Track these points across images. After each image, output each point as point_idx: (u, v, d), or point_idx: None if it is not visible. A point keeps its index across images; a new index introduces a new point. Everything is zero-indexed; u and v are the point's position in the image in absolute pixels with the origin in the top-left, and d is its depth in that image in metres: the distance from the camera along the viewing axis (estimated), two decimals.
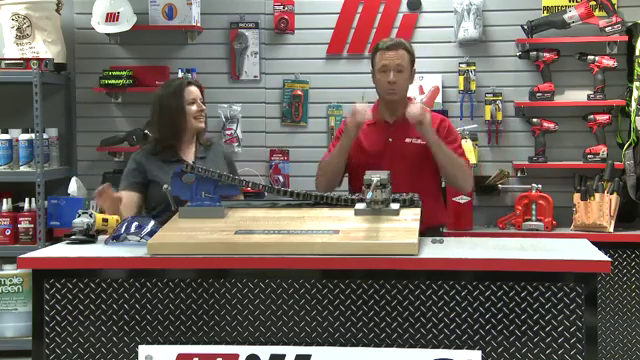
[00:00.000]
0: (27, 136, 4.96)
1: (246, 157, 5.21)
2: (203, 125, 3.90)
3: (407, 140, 3.76)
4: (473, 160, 4.92)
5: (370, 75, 3.84)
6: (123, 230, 3.24)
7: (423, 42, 5.08)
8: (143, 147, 3.99)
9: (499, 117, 5.07)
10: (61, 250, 3.18)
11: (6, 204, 5.00)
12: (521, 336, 2.90)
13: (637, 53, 4.82)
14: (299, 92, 5.20)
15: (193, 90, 3.88)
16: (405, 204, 3.24)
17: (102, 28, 5.10)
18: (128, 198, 3.71)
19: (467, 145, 4.77)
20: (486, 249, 3.08)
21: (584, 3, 4.94)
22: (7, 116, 5.21)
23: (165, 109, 3.84)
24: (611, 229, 4.71)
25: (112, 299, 3.02)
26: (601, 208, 4.72)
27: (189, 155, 3.87)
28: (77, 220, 3.28)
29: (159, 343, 3.00)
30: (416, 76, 3.93)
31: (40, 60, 4.88)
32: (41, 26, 5.08)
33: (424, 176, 3.75)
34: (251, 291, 2.98)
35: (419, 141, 3.74)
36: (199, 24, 5.18)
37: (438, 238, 3.26)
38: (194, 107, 3.85)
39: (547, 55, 4.97)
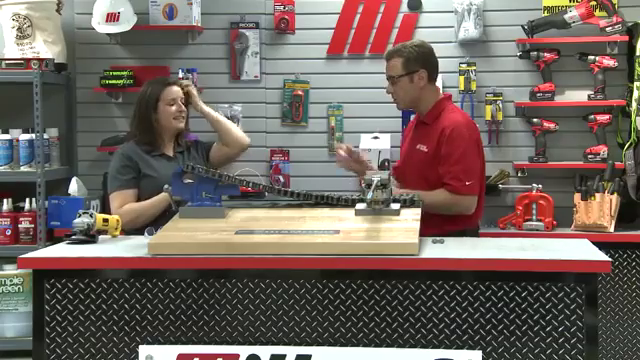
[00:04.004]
0: (27, 136, 4.96)
1: (246, 157, 5.18)
2: (182, 125, 3.90)
3: (417, 146, 3.72)
4: None
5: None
6: None
7: None
8: (125, 142, 3.98)
9: (499, 117, 5.07)
10: (61, 250, 3.18)
11: (6, 204, 4.99)
12: (521, 336, 2.89)
13: (637, 53, 4.81)
14: (299, 92, 5.20)
15: (174, 90, 3.89)
16: (405, 204, 3.23)
17: (102, 28, 5.10)
18: (129, 197, 3.72)
19: None
20: (486, 249, 3.08)
21: (584, 3, 4.94)
22: (7, 116, 5.20)
23: (142, 106, 3.87)
24: (611, 229, 4.71)
25: (112, 299, 3.02)
26: (601, 208, 4.71)
27: (169, 151, 3.90)
28: (77, 220, 3.28)
29: (159, 343, 3.00)
30: None
31: (40, 60, 4.87)
32: (41, 26, 5.07)
33: (433, 183, 3.66)
34: (251, 291, 2.98)
35: (424, 148, 3.70)
36: (199, 24, 5.17)
37: (438, 238, 3.25)
38: (173, 107, 3.86)
39: (547, 55, 4.97)
